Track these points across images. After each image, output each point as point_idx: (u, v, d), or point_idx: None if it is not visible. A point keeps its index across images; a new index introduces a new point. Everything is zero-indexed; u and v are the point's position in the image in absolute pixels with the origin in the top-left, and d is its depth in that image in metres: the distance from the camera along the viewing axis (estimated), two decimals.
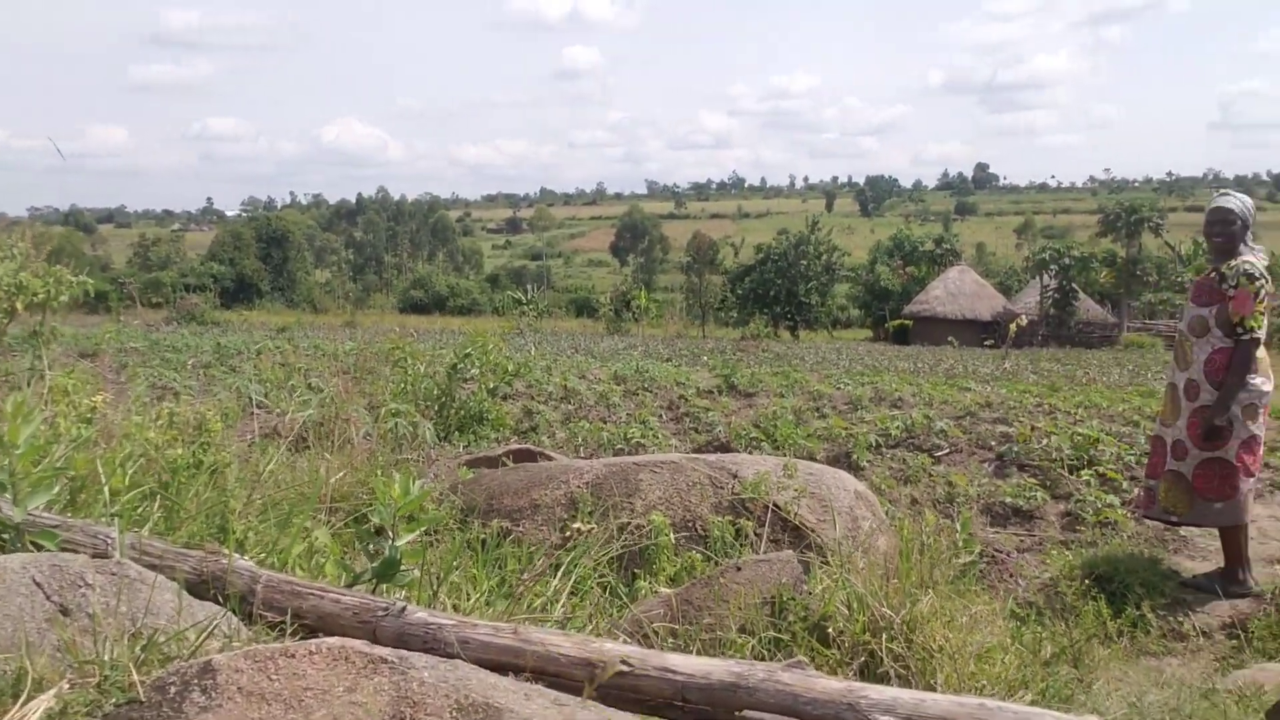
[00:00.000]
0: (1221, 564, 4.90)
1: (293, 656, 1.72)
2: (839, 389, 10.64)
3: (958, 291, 44.20)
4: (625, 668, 1.90)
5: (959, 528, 4.04)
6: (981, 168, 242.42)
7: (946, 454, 7.56)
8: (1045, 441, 7.33)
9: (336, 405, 6.26)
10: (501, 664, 1.98)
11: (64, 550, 2.33)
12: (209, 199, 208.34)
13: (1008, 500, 6.29)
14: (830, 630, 2.96)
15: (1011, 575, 4.96)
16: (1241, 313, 4.44)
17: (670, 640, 2.91)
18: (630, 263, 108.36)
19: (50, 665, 1.81)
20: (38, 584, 2.04)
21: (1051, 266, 41.20)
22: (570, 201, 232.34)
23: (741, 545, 3.79)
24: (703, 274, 54.26)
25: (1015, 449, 7.36)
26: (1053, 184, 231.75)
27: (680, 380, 10.96)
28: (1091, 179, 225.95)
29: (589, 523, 3.53)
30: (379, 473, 3.89)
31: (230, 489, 2.98)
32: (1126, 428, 8.57)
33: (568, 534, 3.03)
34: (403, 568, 2.34)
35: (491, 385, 8.78)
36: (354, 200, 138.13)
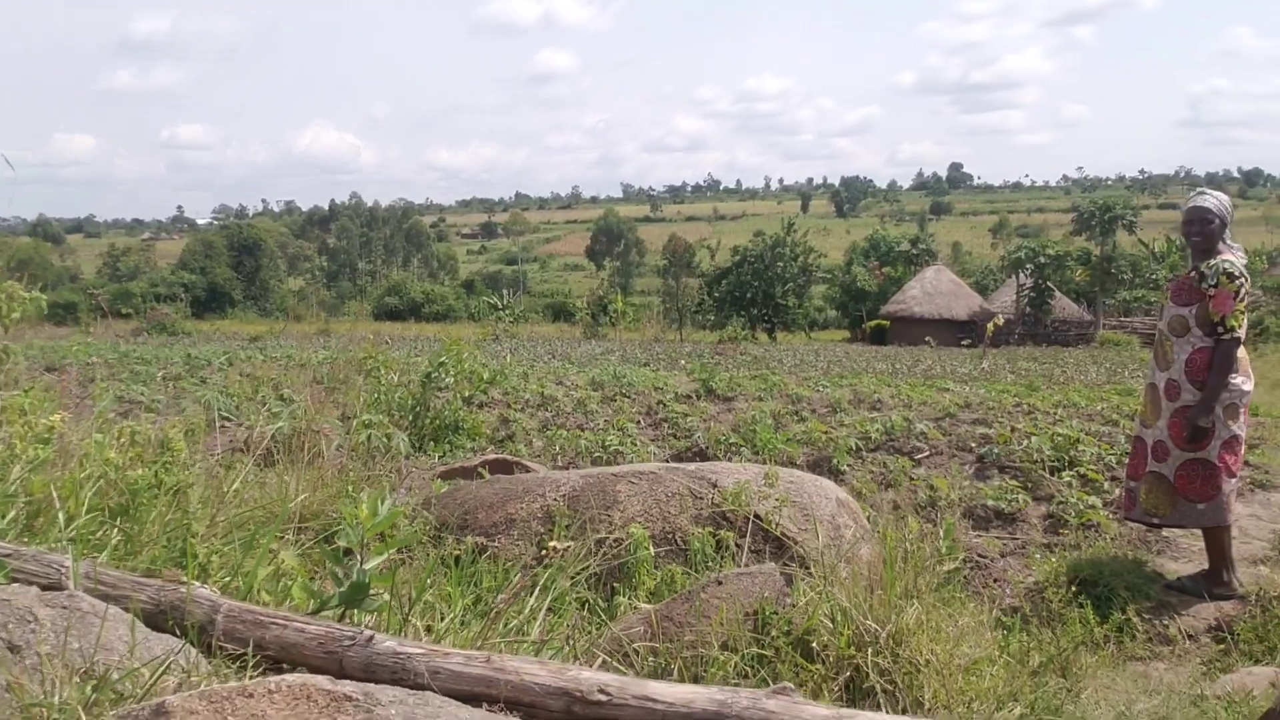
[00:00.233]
0: (1205, 565, 4.88)
1: (251, 696, 1.62)
2: (818, 391, 10.61)
3: (934, 291, 44.39)
4: (603, 697, 1.82)
5: (942, 534, 3.97)
6: (956, 167, 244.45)
7: (927, 456, 7.53)
8: (1025, 443, 7.31)
9: (307, 417, 6.14)
10: (475, 694, 1.89)
11: (15, 581, 2.22)
12: (179, 207, 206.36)
13: (989, 503, 6.25)
14: (814, 645, 2.89)
15: (996, 581, 4.91)
16: (1222, 311, 4.40)
17: (651, 659, 2.83)
18: (606, 266, 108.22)
19: None
20: None
21: (1027, 265, 41.45)
22: (545, 206, 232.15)
23: (723, 557, 3.70)
24: (679, 277, 54.24)
25: (995, 451, 7.34)
26: (1026, 183, 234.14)
27: (658, 385, 10.89)
28: (1065, 178, 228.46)
29: (566, 537, 3.44)
30: (349, 489, 3.78)
31: (193, 510, 2.87)
32: (1106, 427, 8.59)
33: (544, 552, 2.93)
34: (371, 592, 2.24)
35: (467, 394, 8.67)
36: (327, 207, 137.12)
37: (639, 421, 8.98)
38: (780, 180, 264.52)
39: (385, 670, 1.94)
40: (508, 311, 39.72)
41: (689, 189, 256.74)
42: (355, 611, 2.26)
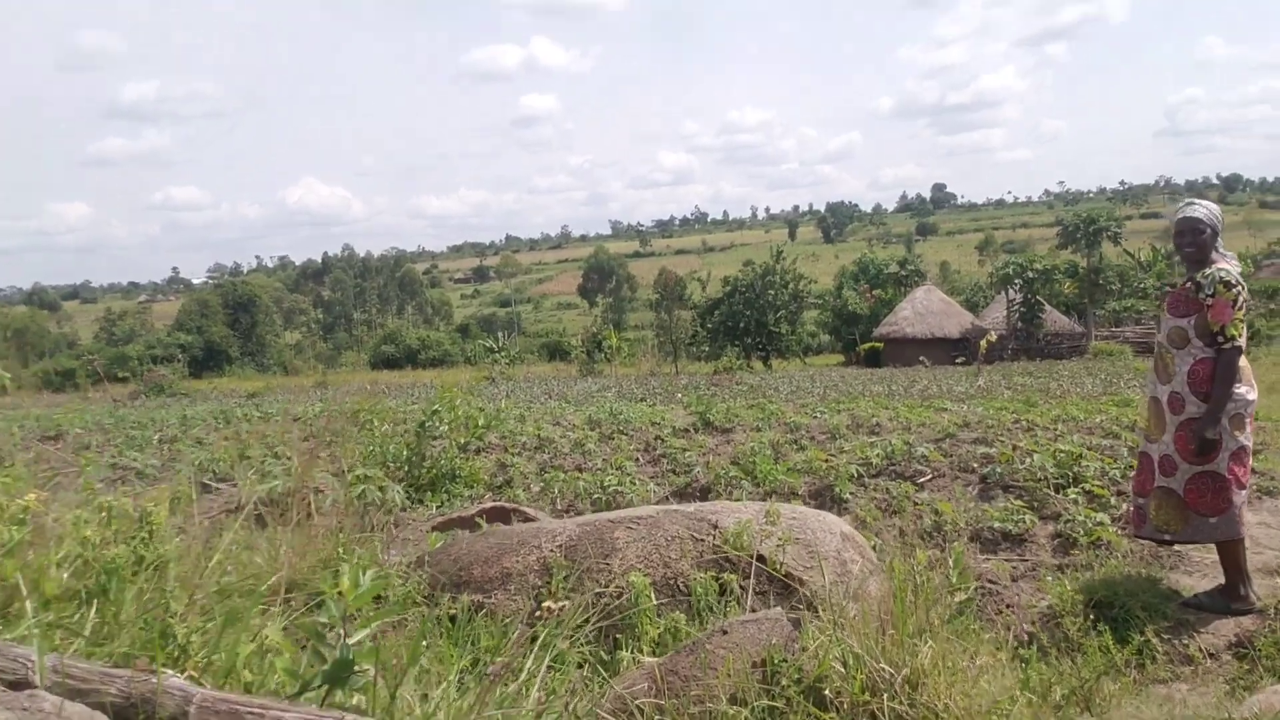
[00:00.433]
0: (1220, 579, 4.77)
1: None
2: (815, 418, 10.52)
3: (925, 311, 44.45)
4: None
5: (952, 563, 3.86)
6: (939, 188, 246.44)
7: (929, 479, 7.42)
8: (1028, 460, 7.21)
9: (300, 475, 6.03)
10: None
11: None
12: (174, 268, 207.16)
13: (996, 525, 6.14)
14: (827, 692, 2.77)
15: (1009, 607, 4.79)
16: (1221, 321, 4.33)
17: (657, 717, 2.71)
18: (599, 303, 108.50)
19: None
20: None
21: (1015, 281, 41.51)
22: (536, 246, 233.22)
23: (727, 602, 3.59)
24: (671, 310, 54.21)
25: (998, 470, 7.24)
26: (1010, 199, 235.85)
27: (655, 420, 10.80)
28: (1047, 192, 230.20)
29: (565, 589, 3.32)
30: (340, 550, 3.67)
31: (170, 588, 2.76)
32: (1107, 440, 8.50)
33: (539, 611, 2.82)
34: (357, 669, 2.13)
35: (462, 440, 8.57)
36: (320, 260, 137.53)
37: (637, 459, 8.87)
38: (767, 209, 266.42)
39: None
40: (503, 354, 39.66)
41: (677, 223, 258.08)
42: (340, 691, 2.15)
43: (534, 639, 3.03)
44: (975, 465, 7.56)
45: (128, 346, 60.24)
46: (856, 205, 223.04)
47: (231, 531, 3.51)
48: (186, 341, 62.56)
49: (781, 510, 4.02)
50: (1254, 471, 6.58)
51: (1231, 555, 4.57)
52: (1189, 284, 4.49)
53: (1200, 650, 4.29)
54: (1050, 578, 5.18)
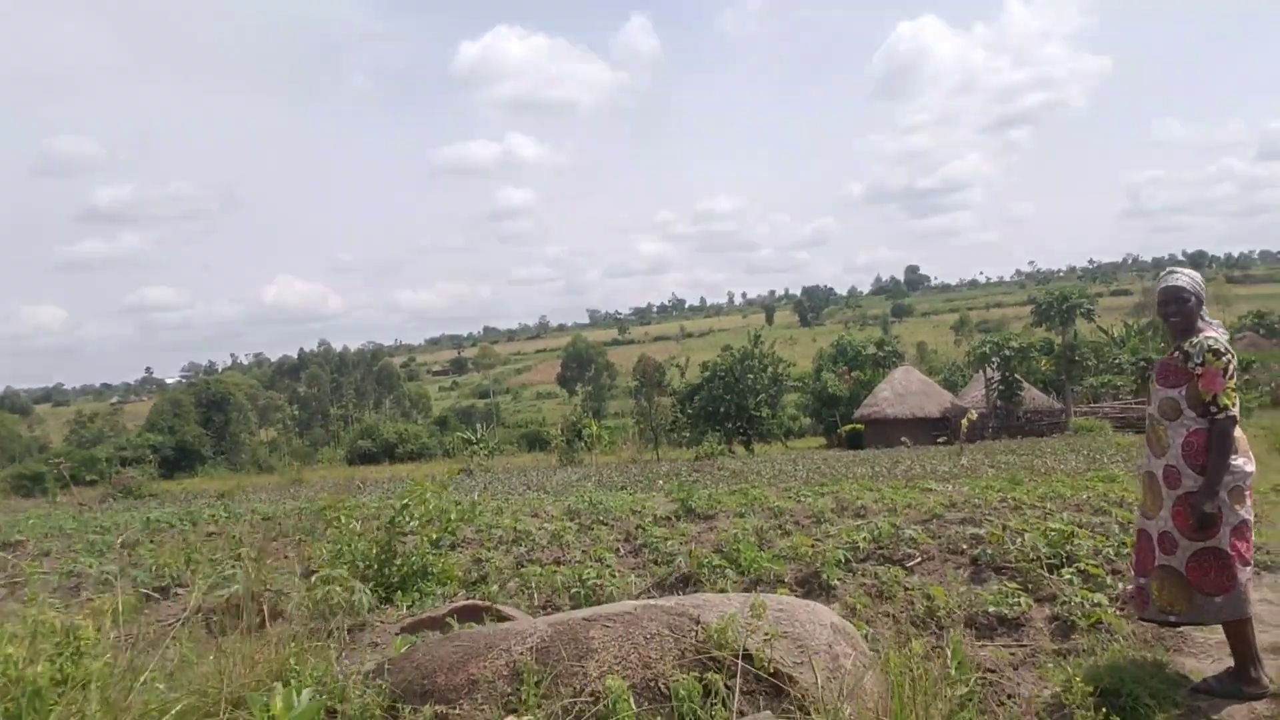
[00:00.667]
0: (1228, 661, 4.54)
1: None
2: (799, 502, 10.32)
3: (905, 391, 44.59)
4: None
5: (950, 653, 3.63)
6: (912, 270, 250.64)
7: (918, 563, 7.20)
8: (1019, 540, 7.02)
9: (256, 577, 5.73)
10: None
11: None
12: (148, 369, 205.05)
13: (990, 609, 5.89)
14: None
15: (1010, 698, 4.53)
16: (1212, 390, 4.19)
17: None
18: (579, 392, 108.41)
19: None
20: None
21: (993, 359, 41.84)
22: (514, 337, 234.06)
23: (712, 705, 3.32)
24: (651, 397, 54.19)
25: (989, 551, 7.03)
26: (982, 280, 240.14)
27: (636, 509, 10.56)
28: (1018, 272, 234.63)
29: (536, 697, 3.06)
30: (292, 661, 3.39)
31: (93, 712, 2.49)
32: (1097, 517, 8.34)
33: None
34: None
35: (435, 536, 8.26)
36: (296, 356, 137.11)
37: (618, 549, 8.60)
38: (744, 294, 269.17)
39: None
40: (482, 445, 39.29)
41: (655, 310, 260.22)
42: None
43: None
44: (965, 546, 7.35)
45: (96, 448, 59.27)
46: (832, 289, 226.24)
47: (167, 644, 3.23)
48: (157, 442, 61.70)
49: (768, 602, 3.78)
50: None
51: (1240, 636, 4.35)
52: (1177, 353, 4.38)
53: None
54: (1051, 665, 4.93)
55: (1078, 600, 5.79)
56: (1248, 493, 4.29)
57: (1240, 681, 4.35)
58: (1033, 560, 6.62)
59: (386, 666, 3.61)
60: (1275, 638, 5.19)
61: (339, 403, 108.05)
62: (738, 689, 3.31)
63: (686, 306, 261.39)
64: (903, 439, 32.29)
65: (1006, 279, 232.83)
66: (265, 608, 4.37)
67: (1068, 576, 6.31)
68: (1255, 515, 7.71)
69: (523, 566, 8.01)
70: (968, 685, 3.68)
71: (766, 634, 3.53)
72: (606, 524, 9.86)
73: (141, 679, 2.86)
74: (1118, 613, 5.67)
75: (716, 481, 16.90)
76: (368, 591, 6.43)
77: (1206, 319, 4.43)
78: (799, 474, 18.13)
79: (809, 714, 2.99)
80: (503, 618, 5.48)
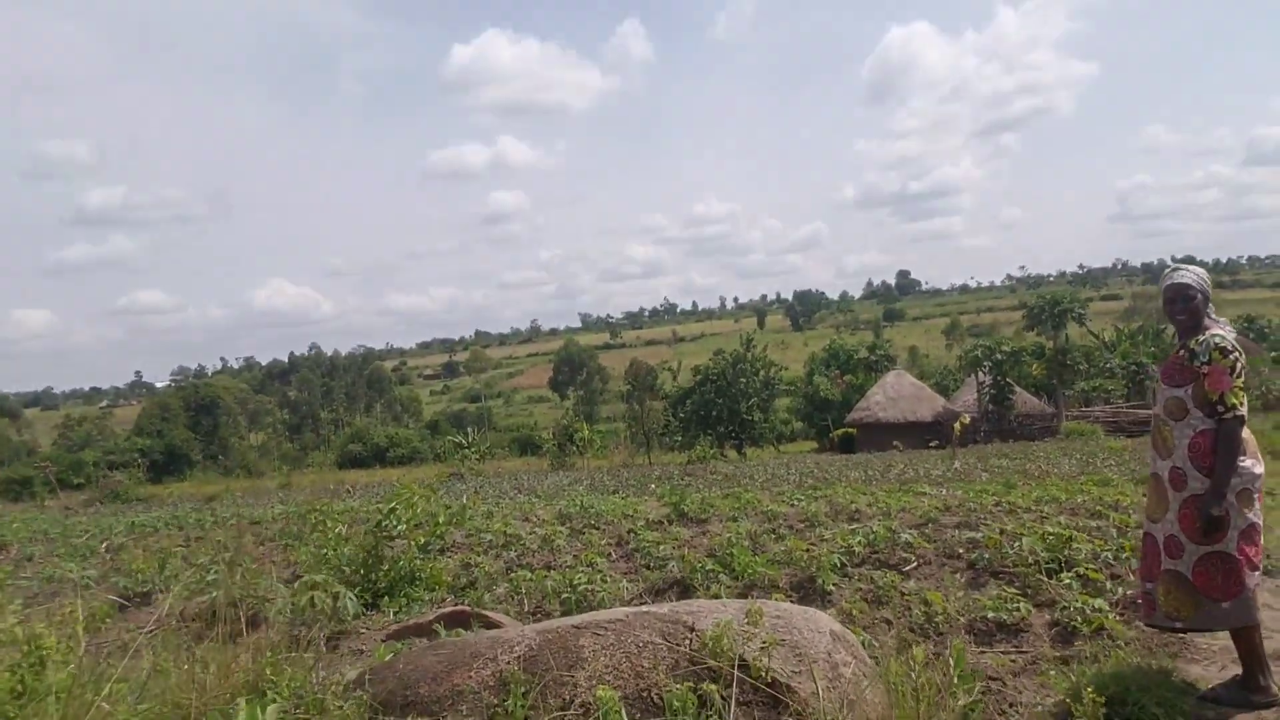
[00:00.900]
0: (1234, 668, 4.43)
1: None
2: (793, 506, 10.20)
3: (897, 396, 44.58)
4: None
5: (953, 661, 3.50)
6: (903, 274, 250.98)
7: (915, 567, 7.09)
8: (1016, 544, 6.90)
9: (233, 583, 5.59)
10: None
11: None
12: (138, 372, 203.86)
13: (990, 615, 5.78)
14: None
15: (1012, 706, 4.40)
16: (1219, 389, 4.08)
17: None
18: (570, 396, 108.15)
19: None
20: None
21: (984, 363, 41.82)
22: (506, 341, 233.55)
23: (707, 716, 3.18)
24: (643, 400, 54.09)
25: (986, 556, 6.93)
26: (973, 284, 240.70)
27: (628, 513, 10.42)
28: (1009, 277, 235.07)
29: (523, 709, 2.93)
30: (267, 671, 3.25)
31: None
32: (1093, 520, 8.23)
33: None
34: None
35: (423, 540, 8.11)
36: (286, 360, 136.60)
37: (610, 554, 8.46)
38: (735, 299, 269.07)
39: None
40: (473, 449, 39.07)
41: (647, 314, 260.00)
42: None
43: None
44: (961, 551, 7.24)
45: (84, 452, 58.83)
46: (823, 293, 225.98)
47: (135, 652, 3.09)
48: (146, 446, 61.32)
49: (764, 609, 3.65)
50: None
51: (1248, 642, 4.24)
52: (1182, 351, 4.26)
53: None
54: (1055, 672, 4.81)
55: (1078, 606, 5.68)
56: (1257, 495, 4.17)
57: (1248, 690, 4.24)
58: (1031, 565, 6.51)
59: (367, 677, 3.46)
60: None
61: (329, 407, 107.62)
62: (734, 700, 3.18)
63: (678, 310, 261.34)
64: (895, 443, 32.17)
65: (997, 284, 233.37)
66: (245, 614, 4.22)
67: (1067, 581, 6.21)
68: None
69: (512, 571, 7.87)
70: (971, 695, 3.55)
71: (763, 642, 3.39)
72: (598, 528, 9.72)
73: (105, 690, 2.72)
74: (1119, 619, 5.56)
75: (709, 485, 16.76)
76: (353, 597, 6.28)
77: (1213, 316, 4.32)
78: (791, 478, 18.00)
79: None
80: (491, 624, 5.34)
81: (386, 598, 7.05)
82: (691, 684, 3.29)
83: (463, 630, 4.95)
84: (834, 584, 6.65)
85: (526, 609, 6.81)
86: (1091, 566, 6.46)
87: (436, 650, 3.61)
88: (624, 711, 3.15)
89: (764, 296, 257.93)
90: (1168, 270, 4.47)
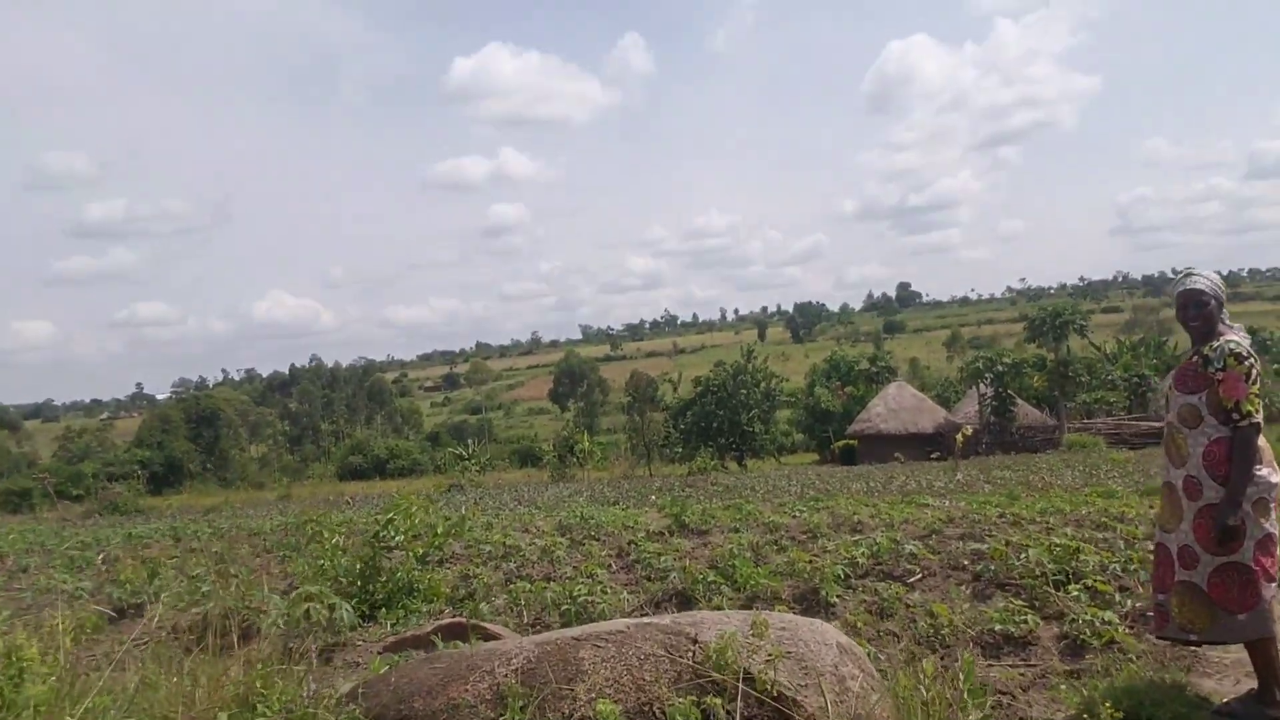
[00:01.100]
0: (1249, 682, 4.33)
1: None
2: (794, 517, 10.10)
3: (898, 407, 44.46)
4: None
5: (963, 676, 3.41)
6: (904, 286, 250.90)
7: (919, 579, 6.99)
8: (1023, 556, 6.80)
9: (240, 592, 5.50)
10: None
11: None
12: (138, 384, 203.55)
13: (997, 628, 5.68)
14: None
15: None
16: (1235, 396, 3.99)
17: None
18: (571, 408, 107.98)
19: None
20: None
21: (986, 375, 41.73)
22: (506, 353, 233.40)
23: None
24: (644, 412, 54.03)
25: (992, 567, 6.83)
26: (974, 297, 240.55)
27: (628, 524, 10.33)
28: (1009, 289, 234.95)
29: None
30: (258, 684, 3.15)
31: None
32: (1100, 532, 8.13)
33: None
34: None
35: (421, 551, 8.02)
36: (287, 371, 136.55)
37: (610, 565, 8.37)
38: (736, 311, 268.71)
39: None
40: (473, 461, 39.01)
41: (647, 326, 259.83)
42: None
43: None
44: (966, 562, 7.14)
45: (83, 464, 58.70)
46: (824, 305, 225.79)
47: (123, 665, 3.00)
48: (146, 457, 61.18)
49: (769, 620, 3.55)
50: None
51: (1264, 655, 4.13)
52: (1196, 358, 4.17)
53: None
54: (1065, 686, 4.71)
55: (1087, 618, 5.58)
56: (1273, 505, 4.08)
57: (1264, 704, 4.13)
58: (1038, 576, 6.41)
59: (361, 690, 3.37)
60: None
61: (330, 418, 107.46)
62: (738, 714, 3.08)
63: (679, 322, 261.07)
64: (896, 455, 32.09)
65: (998, 296, 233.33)
66: (238, 626, 4.13)
67: (1075, 593, 6.10)
68: None
69: (512, 583, 7.78)
70: (982, 710, 3.46)
71: (769, 654, 3.29)
72: (598, 539, 9.63)
73: (85, 703, 2.62)
74: (1129, 631, 5.46)
75: (709, 497, 16.67)
76: (349, 608, 6.19)
77: (1227, 322, 4.23)
78: (793, 489, 17.91)
79: None
80: (489, 636, 5.25)
81: (384, 609, 6.96)
82: (695, 697, 3.19)
83: (460, 642, 4.86)
84: (837, 596, 6.56)
85: (526, 621, 6.71)
86: (1100, 578, 6.36)
87: (432, 663, 3.52)
88: None
89: (764, 308, 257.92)
90: (1180, 275, 4.38)
